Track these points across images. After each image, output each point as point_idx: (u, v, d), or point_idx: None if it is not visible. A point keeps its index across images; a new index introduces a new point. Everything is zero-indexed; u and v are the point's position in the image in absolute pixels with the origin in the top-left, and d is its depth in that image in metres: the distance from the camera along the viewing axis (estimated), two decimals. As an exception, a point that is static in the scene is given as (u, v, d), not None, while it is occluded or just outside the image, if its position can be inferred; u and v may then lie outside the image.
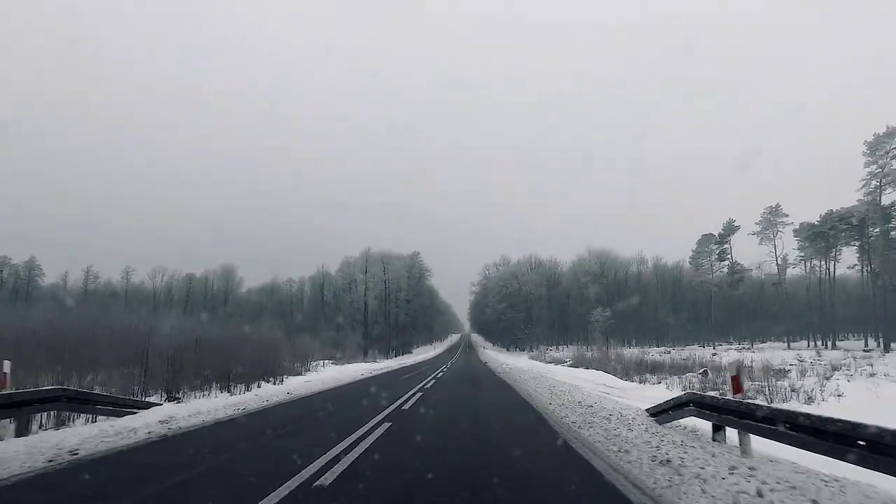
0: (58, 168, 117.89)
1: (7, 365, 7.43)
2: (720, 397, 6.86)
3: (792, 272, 66.40)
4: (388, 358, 57.22)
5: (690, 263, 70.36)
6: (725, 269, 66.15)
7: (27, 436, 6.78)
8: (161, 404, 11.26)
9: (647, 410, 8.36)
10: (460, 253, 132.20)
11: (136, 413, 9.08)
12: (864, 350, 42.98)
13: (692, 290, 73.51)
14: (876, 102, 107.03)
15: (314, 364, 32.53)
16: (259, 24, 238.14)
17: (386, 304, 60.61)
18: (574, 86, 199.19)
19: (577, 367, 28.37)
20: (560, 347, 71.36)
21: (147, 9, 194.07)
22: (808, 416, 4.51)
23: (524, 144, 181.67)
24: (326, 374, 26.40)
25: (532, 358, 51.74)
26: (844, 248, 59.50)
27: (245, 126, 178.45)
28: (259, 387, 18.99)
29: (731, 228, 62.69)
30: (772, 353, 41.94)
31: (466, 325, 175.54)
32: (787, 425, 4.66)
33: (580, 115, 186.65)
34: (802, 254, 64.41)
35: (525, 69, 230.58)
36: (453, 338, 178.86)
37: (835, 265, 61.08)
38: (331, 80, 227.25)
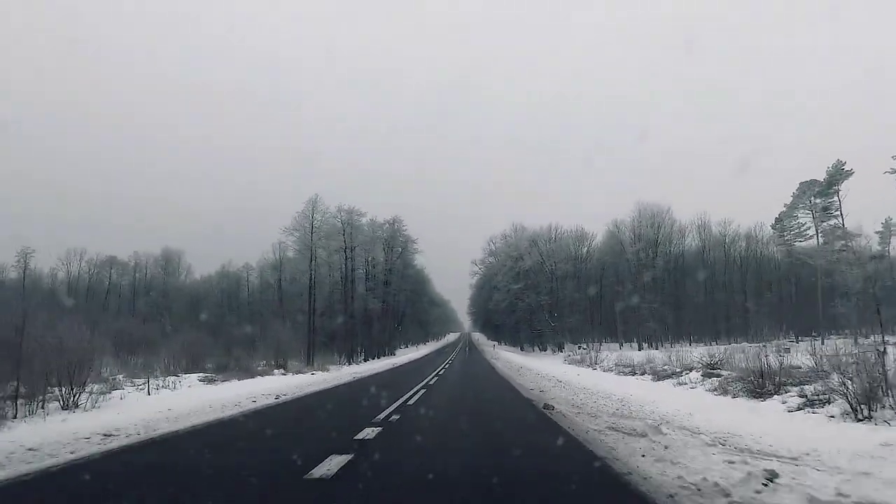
0: (58, 168, 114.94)
1: None
2: None
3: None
4: (351, 363, 40.18)
5: (774, 228, 53.21)
6: (822, 236, 49.13)
7: None
8: None
9: None
10: (460, 254, 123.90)
11: None
12: None
13: (772, 263, 56.60)
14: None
15: (124, 388, 15.79)
16: (259, 24, 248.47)
17: (345, 283, 43.33)
18: (576, 85, 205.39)
19: (757, 394, 11.23)
20: (593, 344, 54.43)
21: (147, 9, 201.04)
22: None
23: (526, 143, 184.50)
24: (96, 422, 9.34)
25: (570, 362, 34.77)
26: None
27: (245, 126, 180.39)
28: None
29: (839, 173, 45.59)
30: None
31: (467, 324, 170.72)
32: None
33: (588, 107, 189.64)
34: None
35: (525, 69, 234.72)
36: (451, 336, 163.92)
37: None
38: (331, 80, 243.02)
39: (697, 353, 33.21)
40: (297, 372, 28.98)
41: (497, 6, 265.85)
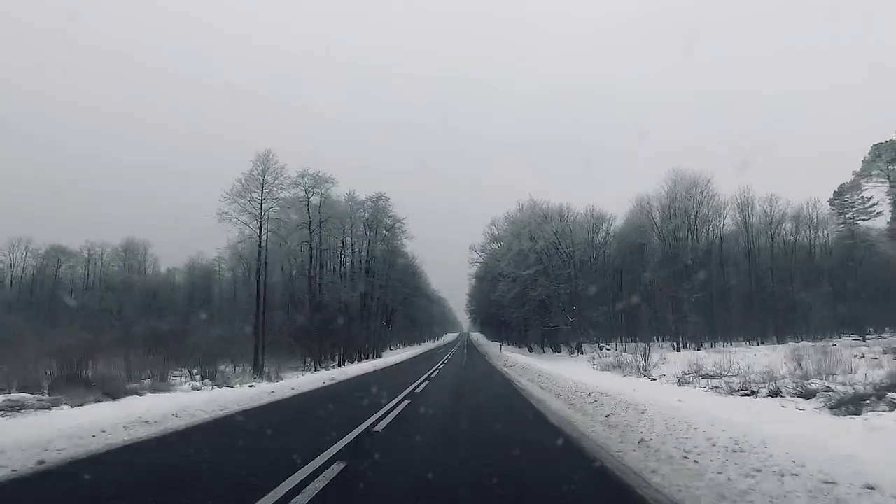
0: (57, 168, 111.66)
1: None
2: None
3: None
4: (319, 368, 31.78)
5: (832, 204, 44.93)
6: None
7: None
8: None
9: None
10: (460, 253, 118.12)
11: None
12: None
13: (825, 247, 48.34)
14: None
15: None
16: (258, 20, 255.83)
17: (311, 268, 34.58)
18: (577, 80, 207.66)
19: None
20: (617, 343, 46.13)
21: (147, 9, 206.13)
22: None
23: (526, 143, 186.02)
24: None
25: (603, 368, 26.65)
26: None
27: (245, 126, 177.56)
28: None
29: (920, 134, 37.30)
30: None
31: (466, 324, 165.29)
32: None
33: (591, 103, 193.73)
34: None
35: (524, 67, 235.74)
36: (449, 336, 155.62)
37: None
38: (330, 78, 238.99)
39: (779, 354, 24.79)
40: (225, 385, 20.68)
41: (496, 5, 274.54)
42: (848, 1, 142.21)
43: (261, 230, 28.11)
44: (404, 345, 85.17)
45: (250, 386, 21.50)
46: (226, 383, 20.96)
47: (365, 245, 44.10)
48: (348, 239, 42.65)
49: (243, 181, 27.90)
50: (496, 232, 56.20)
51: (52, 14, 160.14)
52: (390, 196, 45.62)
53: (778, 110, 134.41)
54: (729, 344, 46.41)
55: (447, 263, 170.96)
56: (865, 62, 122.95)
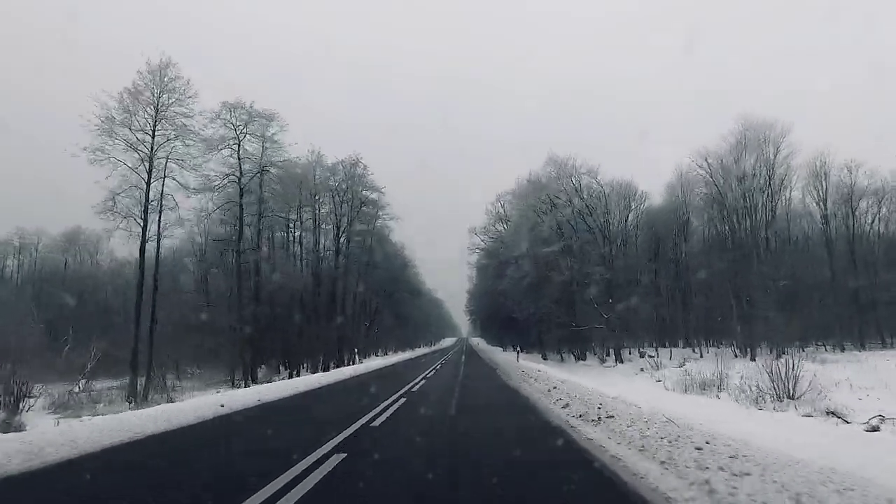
0: (57, 168, 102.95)
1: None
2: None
3: None
4: (256, 381, 22.22)
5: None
6: None
7: None
8: None
9: None
10: (459, 254, 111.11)
11: None
12: None
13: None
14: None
15: None
16: (258, 25, 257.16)
17: (239, 239, 24.46)
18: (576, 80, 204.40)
19: None
20: (651, 349, 36.61)
21: (147, 9, 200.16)
22: None
23: (527, 141, 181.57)
24: None
25: (687, 388, 16.97)
26: None
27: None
28: None
29: None
30: None
31: (465, 328, 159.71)
32: None
33: (592, 102, 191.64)
34: None
35: (524, 67, 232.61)
36: (447, 341, 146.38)
37: None
38: (330, 78, 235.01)
39: None
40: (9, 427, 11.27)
41: (496, 5, 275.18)
42: (848, 1, 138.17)
43: (150, 176, 18.52)
44: (396, 350, 75.41)
45: (82, 420, 12.09)
46: (10, 426, 11.50)
47: (335, 218, 34.43)
48: (308, 210, 32.87)
49: (126, 101, 18.34)
50: (502, 210, 46.62)
51: (52, 14, 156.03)
52: (393, 197, 36.78)
53: (778, 110, 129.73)
54: (801, 350, 36.85)
55: (446, 264, 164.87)
56: (865, 62, 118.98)
